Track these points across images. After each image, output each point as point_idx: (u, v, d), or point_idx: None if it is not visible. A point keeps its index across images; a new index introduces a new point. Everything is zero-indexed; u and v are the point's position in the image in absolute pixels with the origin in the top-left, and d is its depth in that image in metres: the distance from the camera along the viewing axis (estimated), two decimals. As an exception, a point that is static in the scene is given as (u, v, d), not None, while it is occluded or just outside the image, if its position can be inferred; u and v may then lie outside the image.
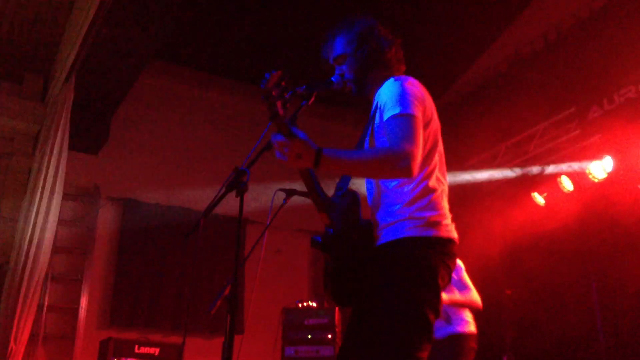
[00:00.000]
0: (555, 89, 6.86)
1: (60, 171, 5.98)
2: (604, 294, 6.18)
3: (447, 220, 2.31)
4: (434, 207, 2.27)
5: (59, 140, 5.99)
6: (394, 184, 2.30)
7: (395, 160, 2.11)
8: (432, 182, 2.29)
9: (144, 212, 7.39)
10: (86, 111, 6.73)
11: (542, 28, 7.21)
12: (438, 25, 7.62)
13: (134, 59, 6.21)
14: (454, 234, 2.31)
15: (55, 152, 5.96)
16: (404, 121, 2.21)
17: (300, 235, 7.99)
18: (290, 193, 3.92)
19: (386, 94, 2.33)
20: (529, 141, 7.13)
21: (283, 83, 1.92)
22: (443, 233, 2.26)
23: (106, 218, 7.27)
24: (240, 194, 2.13)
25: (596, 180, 6.23)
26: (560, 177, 6.63)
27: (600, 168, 6.16)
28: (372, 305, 2.18)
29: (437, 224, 2.25)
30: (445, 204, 2.33)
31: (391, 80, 2.40)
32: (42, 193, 5.86)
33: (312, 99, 2.38)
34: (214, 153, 7.95)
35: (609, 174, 6.12)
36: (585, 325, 6.25)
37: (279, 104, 1.91)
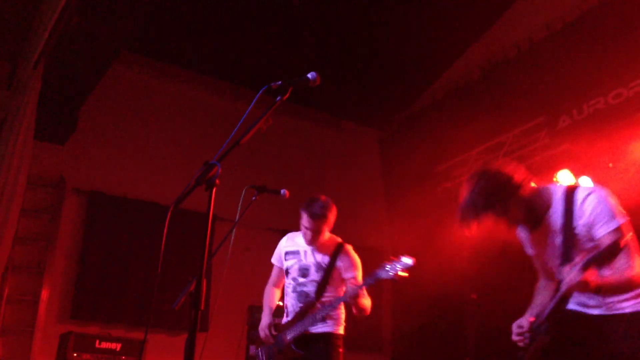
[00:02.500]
0: (526, 97, 6.94)
1: (24, 160, 5.84)
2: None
3: None
4: None
5: (24, 129, 5.85)
6: None
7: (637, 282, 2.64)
8: None
9: (110, 205, 7.28)
10: (54, 100, 6.59)
11: (515, 38, 7.30)
12: (412, 32, 7.66)
13: (104, 49, 6.09)
14: None
15: (20, 140, 5.82)
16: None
17: (270, 234, 7.93)
18: (260, 190, 3.89)
19: (595, 210, 2.68)
20: (499, 148, 7.21)
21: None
22: None
23: (71, 210, 7.13)
24: (210, 188, 2.09)
25: (563, 189, 6.33)
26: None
27: (567, 177, 6.26)
28: None
29: None
30: None
31: (593, 195, 2.73)
32: (4, 182, 5.72)
33: (287, 94, 2.37)
34: (183, 147, 7.86)
35: (576, 183, 6.22)
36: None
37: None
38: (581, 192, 2.77)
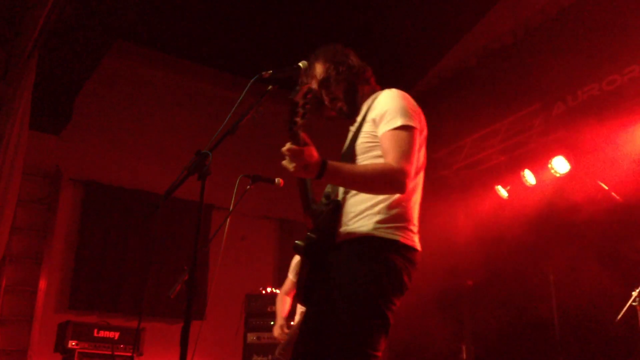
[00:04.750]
0: (521, 84, 6.94)
1: (19, 151, 5.84)
2: (559, 285, 6.31)
3: (414, 229, 2.39)
4: (404, 214, 2.35)
5: (19, 119, 5.84)
6: None
7: (392, 181, 2.21)
8: (409, 191, 2.37)
9: (106, 195, 7.29)
10: (49, 90, 6.57)
11: (511, 24, 7.28)
12: (409, 18, 7.64)
13: (98, 38, 6.08)
14: (418, 245, 2.40)
15: (15, 131, 5.81)
16: (404, 135, 2.29)
17: (266, 222, 7.96)
18: (254, 179, 3.92)
19: (383, 105, 2.38)
20: (495, 135, 7.22)
21: (309, 96, 2.02)
22: (409, 241, 2.34)
23: (67, 200, 7.14)
24: (202, 177, 2.11)
25: (558, 175, 6.34)
26: (523, 171, 6.73)
27: (562, 163, 6.28)
28: (336, 300, 2.24)
29: (404, 230, 2.35)
30: (415, 214, 2.43)
31: (386, 91, 2.45)
32: (0, 172, 5.72)
33: (279, 83, 2.38)
34: (179, 136, 7.86)
35: (571, 170, 6.24)
36: (542, 316, 6.38)
37: (300, 114, 2.01)
38: (385, 90, 2.50)
